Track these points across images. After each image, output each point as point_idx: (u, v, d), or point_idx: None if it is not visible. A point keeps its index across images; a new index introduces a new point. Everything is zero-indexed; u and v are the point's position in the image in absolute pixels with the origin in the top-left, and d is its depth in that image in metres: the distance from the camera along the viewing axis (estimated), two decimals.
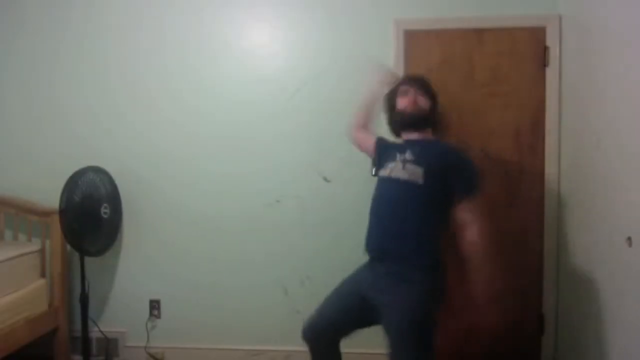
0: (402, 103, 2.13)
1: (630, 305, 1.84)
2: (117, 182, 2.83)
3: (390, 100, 2.22)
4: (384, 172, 2.08)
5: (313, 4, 2.78)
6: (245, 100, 2.83)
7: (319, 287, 2.82)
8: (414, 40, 2.72)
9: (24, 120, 2.97)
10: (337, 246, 2.78)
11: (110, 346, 2.95)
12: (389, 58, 2.71)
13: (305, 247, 2.83)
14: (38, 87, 2.95)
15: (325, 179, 2.80)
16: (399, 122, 2.16)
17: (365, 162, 2.71)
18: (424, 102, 2.10)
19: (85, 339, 2.77)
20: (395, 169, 2.03)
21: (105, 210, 2.69)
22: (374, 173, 2.24)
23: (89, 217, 2.62)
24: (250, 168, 2.85)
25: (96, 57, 2.91)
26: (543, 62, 2.64)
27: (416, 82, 2.16)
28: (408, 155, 2.03)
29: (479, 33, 2.68)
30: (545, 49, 2.63)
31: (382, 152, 2.22)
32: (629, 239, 1.81)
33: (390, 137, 2.31)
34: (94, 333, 2.92)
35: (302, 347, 2.79)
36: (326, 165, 2.78)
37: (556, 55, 2.61)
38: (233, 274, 2.89)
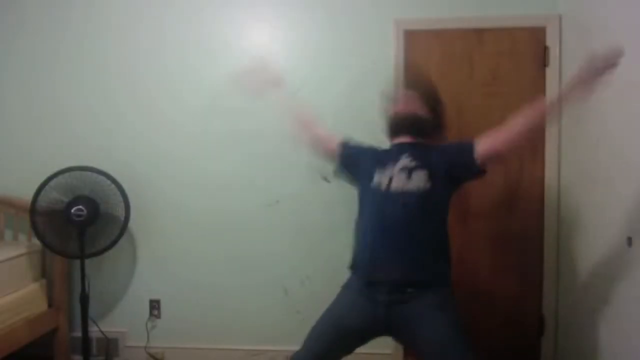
0: (396, 107, 1.99)
1: (630, 305, 1.84)
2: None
3: (390, 100, 2.08)
4: (377, 184, 1.87)
5: (313, 4, 2.78)
6: (245, 99, 2.83)
7: (319, 287, 2.84)
8: (414, 40, 2.72)
9: (24, 120, 2.97)
10: (337, 246, 2.77)
11: (110, 346, 2.95)
12: (389, 58, 2.71)
13: (305, 247, 2.83)
14: (38, 87, 2.95)
15: (325, 179, 2.80)
16: (389, 125, 2.00)
17: None
18: (418, 108, 1.92)
19: (85, 339, 2.77)
20: (397, 179, 1.83)
21: (79, 213, 2.59)
22: (334, 175, 2.12)
23: (60, 219, 2.60)
24: (250, 168, 2.85)
25: (96, 57, 2.91)
26: (543, 62, 2.64)
27: (418, 87, 2.01)
28: (406, 160, 1.85)
29: (479, 33, 2.68)
30: (545, 49, 2.63)
31: (357, 158, 2.02)
32: (629, 239, 1.81)
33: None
34: (94, 333, 2.91)
35: None
36: (326, 166, 2.77)
37: (556, 55, 2.61)
38: (233, 274, 2.89)
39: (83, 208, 2.59)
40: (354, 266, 1.96)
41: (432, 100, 1.98)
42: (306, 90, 2.78)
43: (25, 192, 2.77)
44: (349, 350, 1.92)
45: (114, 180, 2.70)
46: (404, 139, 1.94)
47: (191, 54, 2.85)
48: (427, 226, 1.83)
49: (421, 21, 2.72)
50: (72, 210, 2.57)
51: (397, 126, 1.96)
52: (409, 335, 1.83)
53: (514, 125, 1.79)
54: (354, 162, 2.04)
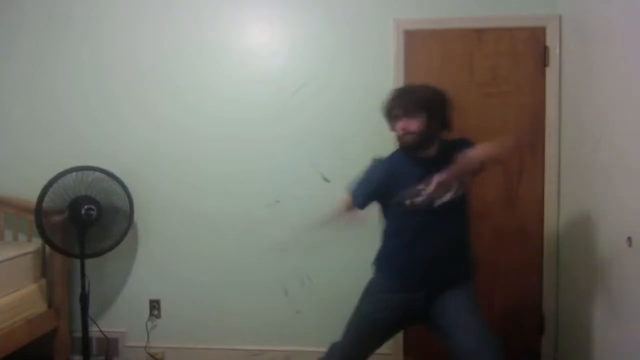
0: (396, 128, 1.92)
1: (630, 305, 1.84)
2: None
3: (389, 120, 1.98)
4: (412, 202, 1.87)
5: (313, 4, 2.78)
6: (245, 100, 2.83)
7: (319, 287, 2.84)
8: (414, 40, 2.72)
9: (24, 120, 2.97)
10: (337, 246, 2.78)
11: (110, 346, 2.95)
12: (389, 58, 2.71)
13: (305, 247, 2.83)
14: (38, 87, 2.95)
15: (325, 179, 2.80)
16: (401, 146, 1.97)
17: (365, 161, 2.70)
18: (414, 125, 1.86)
19: (85, 339, 2.76)
20: (430, 197, 1.82)
21: (90, 212, 2.61)
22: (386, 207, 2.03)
23: (74, 218, 2.61)
24: (250, 168, 2.85)
25: (96, 57, 2.91)
26: (543, 62, 2.64)
27: (401, 102, 1.92)
28: (429, 173, 1.80)
29: (479, 33, 2.68)
30: (545, 49, 2.64)
31: (379, 190, 1.99)
32: (629, 239, 1.81)
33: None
34: (94, 333, 2.91)
35: (302, 347, 2.80)
36: (326, 165, 2.78)
37: (556, 55, 2.61)
38: (233, 274, 2.89)
39: (93, 207, 2.62)
40: (389, 271, 2.03)
41: (432, 106, 1.90)
42: (306, 90, 2.78)
43: (25, 192, 2.77)
44: (381, 343, 2.06)
45: (117, 179, 2.71)
46: (423, 154, 1.93)
47: (191, 54, 2.85)
48: (461, 228, 1.98)
49: (421, 21, 2.72)
50: (83, 210, 2.59)
51: (408, 147, 1.92)
52: (440, 312, 1.93)
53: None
54: (375, 195, 2.02)
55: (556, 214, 2.64)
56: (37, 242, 2.81)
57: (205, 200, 2.88)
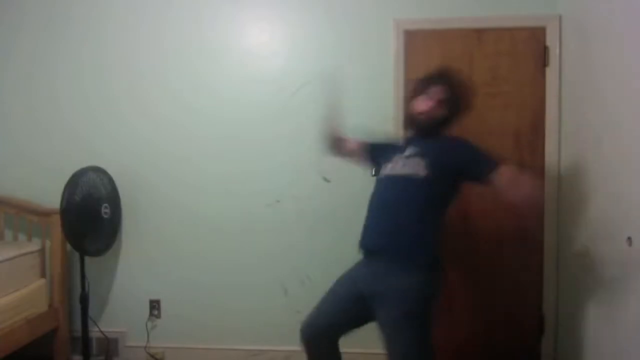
0: (420, 105, 2.00)
1: (630, 305, 1.84)
2: (117, 182, 2.83)
3: (413, 93, 2.06)
4: (383, 172, 2.06)
5: (313, 4, 2.78)
6: (245, 100, 2.83)
7: (319, 287, 2.82)
8: (414, 40, 2.72)
9: (24, 120, 2.97)
10: (337, 246, 2.78)
11: (110, 346, 2.95)
12: (389, 58, 2.72)
13: (305, 247, 2.83)
14: (38, 87, 2.95)
15: (325, 179, 2.80)
16: (405, 119, 2.12)
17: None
18: (436, 108, 1.97)
19: (85, 339, 2.77)
20: (395, 167, 1.99)
21: (105, 210, 2.69)
22: (373, 174, 2.20)
23: (90, 217, 2.63)
24: (250, 168, 2.85)
25: (96, 57, 2.91)
26: (543, 62, 2.64)
27: (442, 83, 1.99)
28: (409, 151, 1.99)
29: (479, 33, 2.68)
30: (545, 49, 2.64)
31: (378, 154, 2.16)
32: (629, 239, 1.81)
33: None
34: (94, 333, 2.92)
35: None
36: (326, 165, 2.78)
37: (556, 55, 2.61)
38: (233, 274, 2.89)
39: (108, 206, 2.68)
40: (360, 241, 2.07)
41: (455, 101, 2.00)
42: (306, 90, 2.78)
43: (25, 192, 2.78)
44: (353, 319, 2.03)
45: (110, 178, 2.73)
46: (415, 133, 2.06)
47: (191, 54, 2.85)
48: (413, 209, 1.91)
49: (421, 21, 2.72)
50: (102, 209, 2.66)
51: (410, 124, 2.07)
52: (373, 310, 1.91)
53: (521, 183, 1.87)
54: (376, 158, 2.18)
55: (556, 214, 2.64)
56: (37, 242, 2.82)
57: (205, 200, 2.88)
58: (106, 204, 2.71)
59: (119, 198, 2.84)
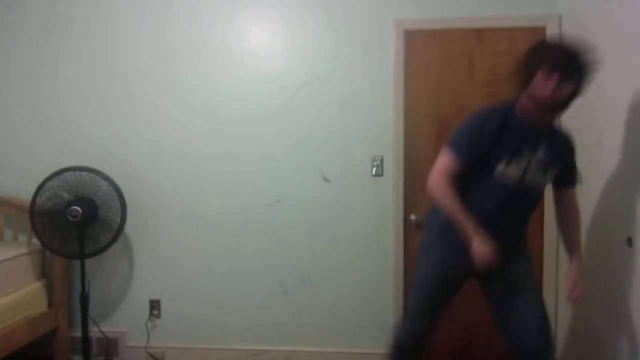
0: (549, 89, 1.70)
1: (630, 305, 1.84)
2: (117, 182, 2.82)
3: (549, 69, 1.72)
4: (510, 172, 1.79)
5: (313, 4, 2.78)
6: (245, 100, 2.83)
7: (319, 287, 2.84)
8: (414, 40, 2.72)
9: (24, 120, 2.97)
10: (337, 246, 2.78)
11: (110, 346, 2.95)
12: (389, 58, 2.72)
13: (305, 247, 2.83)
14: (38, 87, 2.95)
15: (325, 179, 2.80)
16: (535, 101, 1.77)
17: (365, 161, 2.72)
18: (562, 96, 1.73)
19: (85, 339, 2.77)
20: (532, 173, 1.80)
21: (74, 213, 2.57)
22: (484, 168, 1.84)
23: (56, 220, 2.62)
24: (250, 168, 2.85)
25: (96, 57, 2.91)
26: None
27: (578, 74, 1.72)
28: (544, 153, 1.79)
29: (479, 33, 2.68)
30: None
31: (487, 151, 1.79)
32: (629, 239, 1.81)
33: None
34: (94, 333, 2.91)
35: (302, 347, 2.79)
36: (326, 165, 2.78)
37: None
38: (233, 274, 2.89)
39: (79, 208, 2.58)
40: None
41: (580, 87, 1.75)
42: (306, 90, 2.78)
43: (25, 192, 2.77)
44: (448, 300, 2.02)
45: (109, 179, 2.71)
46: (541, 119, 1.80)
47: (191, 53, 2.85)
48: (534, 209, 1.95)
49: (421, 21, 2.72)
50: (68, 211, 2.57)
51: (541, 108, 1.77)
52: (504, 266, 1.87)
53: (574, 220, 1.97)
54: (481, 154, 1.82)
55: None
56: (37, 242, 2.81)
57: (205, 200, 2.88)
58: (76, 207, 2.58)
59: (111, 199, 2.72)
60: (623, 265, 1.89)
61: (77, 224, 2.59)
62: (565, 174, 1.91)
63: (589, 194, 2.25)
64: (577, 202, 1.97)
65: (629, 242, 1.81)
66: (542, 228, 2.68)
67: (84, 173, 2.67)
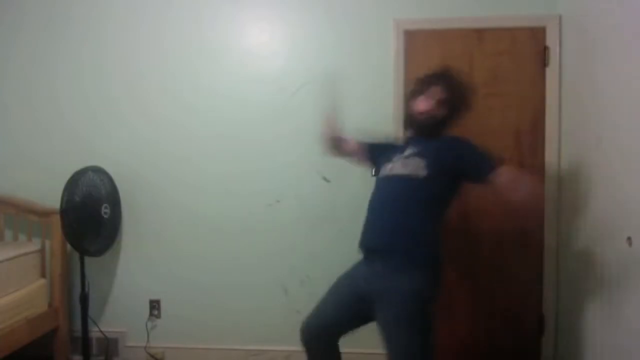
0: (420, 105, 2.00)
1: (630, 305, 1.84)
2: (117, 182, 2.83)
3: (413, 93, 2.06)
4: (383, 172, 2.06)
5: (313, 4, 2.78)
6: (245, 100, 2.83)
7: (319, 287, 2.82)
8: (414, 40, 2.72)
9: (24, 120, 2.97)
10: (337, 246, 2.78)
11: (110, 346, 2.95)
12: (389, 58, 2.72)
13: (305, 247, 2.83)
14: (38, 87, 2.95)
15: (325, 179, 2.80)
16: (405, 119, 2.12)
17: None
18: (436, 108, 1.97)
19: (85, 339, 2.77)
20: (395, 167, 1.99)
21: (105, 210, 2.69)
22: (373, 174, 2.21)
23: (90, 217, 2.63)
24: (250, 168, 2.85)
25: (96, 57, 2.91)
26: (543, 62, 2.64)
27: (439, 83, 2.00)
28: (409, 151, 2.00)
29: (479, 33, 2.68)
30: (545, 49, 2.63)
31: (378, 155, 2.17)
32: (629, 239, 1.81)
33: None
34: (94, 333, 2.92)
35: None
36: (326, 165, 2.78)
37: (556, 55, 2.61)
38: (233, 274, 2.89)
39: (109, 206, 2.68)
40: (360, 241, 2.06)
41: (455, 101, 2.00)
42: (306, 90, 2.78)
43: (25, 192, 2.78)
44: (353, 318, 2.03)
45: (110, 179, 2.73)
46: (415, 133, 2.06)
47: (191, 53, 2.86)
48: (413, 209, 1.92)
49: (421, 21, 2.72)
50: (102, 209, 2.65)
51: (410, 124, 2.07)
52: (374, 312, 1.90)
53: (521, 184, 1.89)
54: (376, 158, 2.18)
55: (556, 214, 2.64)
56: (37, 242, 2.82)
57: (205, 200, 2.88)
58: (106, 204, 2.71)
59: (119, 198, 2.84)
60: (623, 265, 1.89)
61: (107, 222, 2.66)
62: (469, 171, 1.92)
63: (589, 194, 2.25)
64: (504, 181, 1.89)
65: (629, 242, 1.81)
66: (542, 227, 2.68)
67: (86, 173, 2.68)
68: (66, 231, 2.55)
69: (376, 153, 2.19)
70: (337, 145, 2.28)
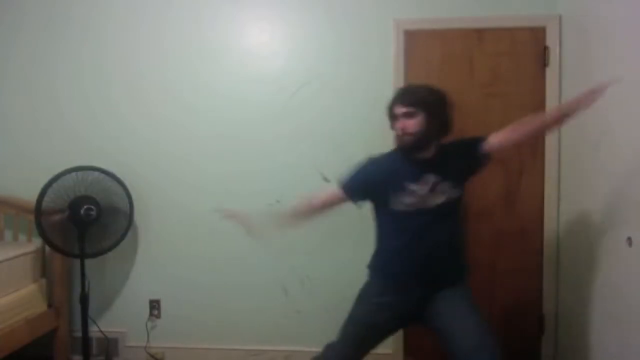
0: (395, 127, 1.92)
1: (630, 305, 1.84)
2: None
3: (390, 119, 1.97)
4: (403, 205, 1.90)
5: (313, 4, 2.78)
6: (245, 100, 2.83)
7: (319, 287, 2.84)
8: (414, 40, 2.72)
9: (24, 120, 2.97)
10: (337, 246, 2.78)
11: (110, 346, 2.95)
12: (389, 58, 2.72)
13: (305, 247, 2.83)
14: (38, 87, 2.95)
15: (325, 179, 2.80)
16: (399, 146, 1.96)
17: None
18: (412, 125, 1.85)
19: (85, 339, 2.77)
20: (428, 199, 1.88)
21: (90, 212, 2.60)
22: (359, 206, 2.06)
23: (73, 219, 2.61)
24: (250, 168, 2.85)
25: (96, 57, 2.91)
26: (543, 62, 2.64)
27: (401, 101, 1.90)
28: (428, 179, 1.88)
29: (479, 33, 2.68)
30: (545, 49, 2.64)
31: (376, 189, 1.96)
32: (629, 239, 1.81)
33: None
34: (94, 333, 2.91)
35: (302, 347, 2.80)
36: (326, 165, 2.78)
37: (556, 55, 2.61)
38: (233, 274, 2.89)
39: (93, 207, 2.61)
40: (385, 273, 2.03)
41: (432, 107, 1.89)
42: (306, 90, 2.78)
43: (25, 192, 2.77)
44: (376, 344, 2.07)
45: (118, 180, 2.72)
46: (420, 155, 1.92)
47: (191, 53, 2.85)
48: (455, 229, 1.99)
49: (421, 21, 2.72)
50: (82, 210, 2.59)
51: (405, 148, 1.92)
52: (436, 314, 1.94)
53: (529, 123, 1.97)
54: (367, 190, 2.00)
55: (556, 214, 2.64)
56: (37, 242, 2.81)
57: (205, 200, 2.87)
58: (89, 206, 2.61)
59: (115, 199, 2.76)
60: (623, 265, 1.89)
61: (90, 223, 2.63)
62: (473, 156, 1.94)
63: (589, 193, 2.25)
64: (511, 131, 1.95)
65: (629, 242, 1.81)
66: (542, 227, 2.68)
67: (87, 172, 2.68)
68: (42, 237, 2.59)
69: (370, 189, 1.99)
70: (305, 214, 2.14)
